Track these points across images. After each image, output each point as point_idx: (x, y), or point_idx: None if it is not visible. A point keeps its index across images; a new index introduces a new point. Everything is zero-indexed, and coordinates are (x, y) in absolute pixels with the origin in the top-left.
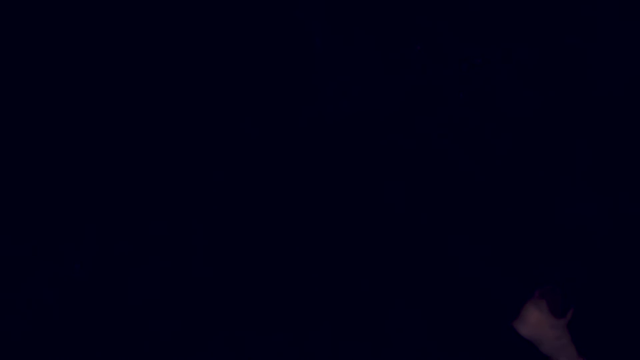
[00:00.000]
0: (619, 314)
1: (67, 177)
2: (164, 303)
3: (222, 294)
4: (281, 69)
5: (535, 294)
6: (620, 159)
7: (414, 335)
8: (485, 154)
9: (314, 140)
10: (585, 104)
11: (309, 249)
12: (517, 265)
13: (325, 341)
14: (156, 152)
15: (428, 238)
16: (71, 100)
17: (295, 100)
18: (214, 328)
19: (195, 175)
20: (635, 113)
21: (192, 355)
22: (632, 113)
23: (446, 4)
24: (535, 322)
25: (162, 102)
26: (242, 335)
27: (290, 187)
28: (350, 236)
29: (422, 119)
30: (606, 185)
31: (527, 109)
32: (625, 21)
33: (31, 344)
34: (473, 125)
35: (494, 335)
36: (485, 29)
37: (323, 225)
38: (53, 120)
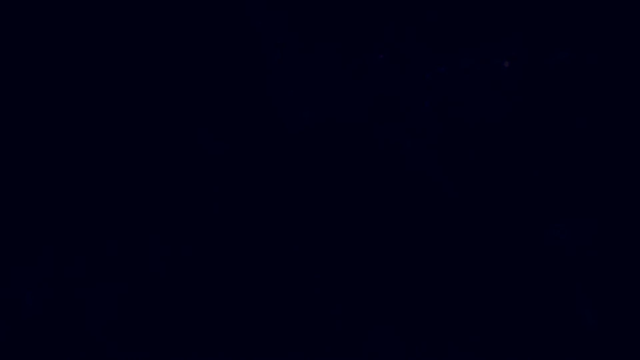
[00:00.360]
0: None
1: (15, 195)
2: (124, 330)
3: (186, 318)
4: (240, 79)
5: None
6: (595, 169)
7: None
8: (452, 163)
9: (275, 150)
10: (553, 112)
11: (269, 266)
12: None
13: None
14: (112, 164)
15: (396, 249)
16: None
17: (255, 110)
18: (177, 355)
19: (151, 190)
20: (602, 116)
21: None
22: (600, 118)
23: (409, 13)
24: None
25: (116, 113)
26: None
27: (252, 200)
28: (313, 252)
29: (386, 128)
30: (582, 201)
31: (493, 118)
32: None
33: None
34: (439, 134)
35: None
36: (449, 38)
37: (284, 240)
38: None
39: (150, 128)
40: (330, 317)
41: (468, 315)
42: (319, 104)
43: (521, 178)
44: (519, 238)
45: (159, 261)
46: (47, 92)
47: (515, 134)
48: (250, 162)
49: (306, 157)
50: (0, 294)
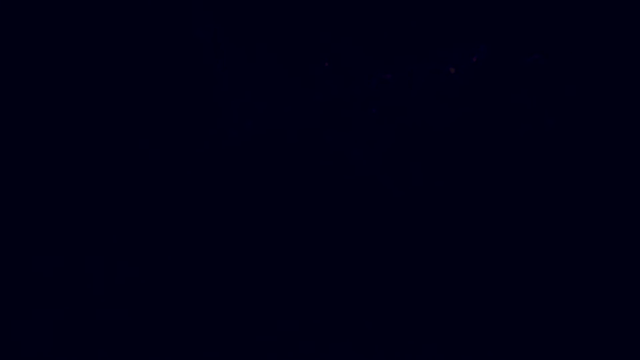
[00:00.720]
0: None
1: None
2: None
3: (129, 340)
4: (180, 88)
5: None
6: (541, 174)
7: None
8: (400, 168)
9: (218, 162)
10: (498, 117)
11: (210, 279)
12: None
13: None
14: (44, 173)
15: (346, 254)
16: None
17: (196, 121)
18: None
19: (88, 201)
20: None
21: None
22: (543, 121)
23: (354, 21)
24: None
25: (55, 122)
26: None
27: (195, 212)
28: (259, 263)
29: (333, 136)
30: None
31: (440, 123)
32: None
33: None
34: (386, 141)
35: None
36: (395, 45)
37: (228, 253)
38: None
39: (87, 138)
40: (249, 322)
41: (418, 309)
42: (263, 113)
43: (467, 182)
44: (465, 240)
45: (101, 280)
46: None
47: (461, 139)
48: (192, 172)
49: (249, 166)
50: None
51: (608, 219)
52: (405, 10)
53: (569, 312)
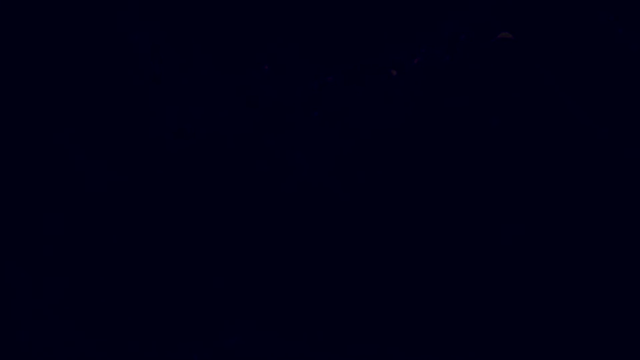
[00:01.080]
0: None
1: None
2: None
3: None
4: (114, 95)
5: None
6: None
7: None
8: (347, 172)
9: (155, 168)
10: (440, 119)
11: (141, 299)
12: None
13: None
14: None
15: (293, 260)
16: None
17: (131, 127)
18: None
19: (14, 213)
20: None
21: None
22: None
23: (293, 23)
24: None
25: None
26: None
27: (132, 225)
28: (194, 269)
29: (274, 140)
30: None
31: (383, 125)
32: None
33: None
34: (330, 144)
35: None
36: (336, 47)
37: (162, 258)
38: None
39: (18, 148)
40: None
41: (360, 315)
42: (201, 117)
43: (412, 184)
44: (413, 242)
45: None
46: None
47: (406, 140)
48: (130, 182)
49: (188, 172)
50: None
51: (558, 216)
52: (346, 11)
53: (544, 313)
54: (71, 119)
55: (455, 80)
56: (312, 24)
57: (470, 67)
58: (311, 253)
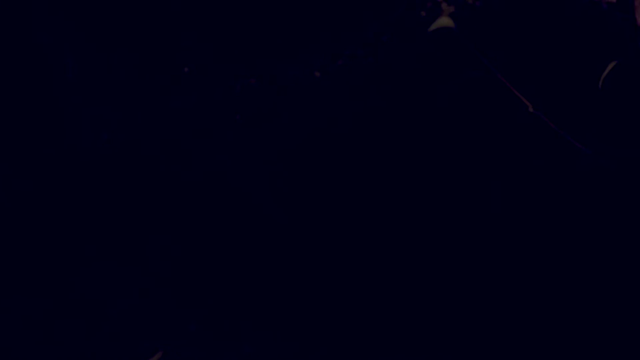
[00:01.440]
0: None
1: None
2: None
3: None
4: (24, 100)
5: None
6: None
7: None
8: (269, 175)
9: (70, 177)
10: (370, 119)
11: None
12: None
13: None
14: None
15: (224, 264)
16: None
17: (46, 134)
18: None
19: None
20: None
21: None
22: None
23: (213, 24)
24: None
25: None
26: None
27: (51, 233)
28: (107, 277)
29: (196, 145)
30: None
31: (308, 127)
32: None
33: None
34: (255, 147)
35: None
36: (259, 49)
37: (74, 264)
38: None
39: None
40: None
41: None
42: (119, 123)
43: (339, 184)
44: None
45: None
46: None
47: (331, 142)
48: (44, 192)
49: (104, 180)
50: None
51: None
52: (269, 13)
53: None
54: None
55: (379, 81)
56: (234, 25)
57: (393, 67)
58: (238, 256)
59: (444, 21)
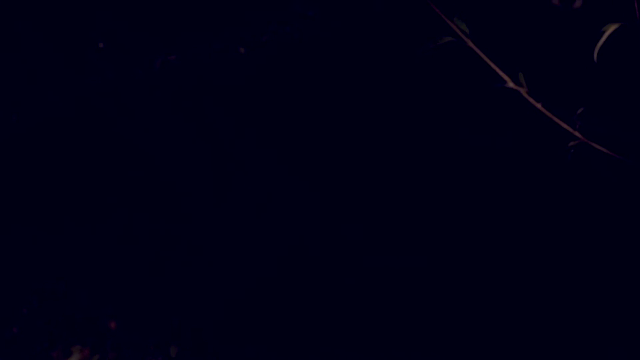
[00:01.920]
0: None
1: None
2: None
3: None
4: None
5: None
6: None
7: None
8: (200, 154)
9: None
10: (296, 97)
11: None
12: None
13: None
14: None
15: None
16: None
17: None
18: None
19: None
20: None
21: None
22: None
23: None
24: None
25: None
26: None
27: None
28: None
29: (115, 125)
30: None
31: (233, 105)
32: None
33: None
34: (177, 126)
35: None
36: (179, 22)
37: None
38: None
39: None
40: None
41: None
42: (29, 105)
43: (269, 163)
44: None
45: None
46: None
47: (258, 119)
48: None
49: (16, 167)
50: None
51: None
52: None
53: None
54: None
55: (306, 57)
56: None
57: (320, 44)
58: (172, 240)
59: None
